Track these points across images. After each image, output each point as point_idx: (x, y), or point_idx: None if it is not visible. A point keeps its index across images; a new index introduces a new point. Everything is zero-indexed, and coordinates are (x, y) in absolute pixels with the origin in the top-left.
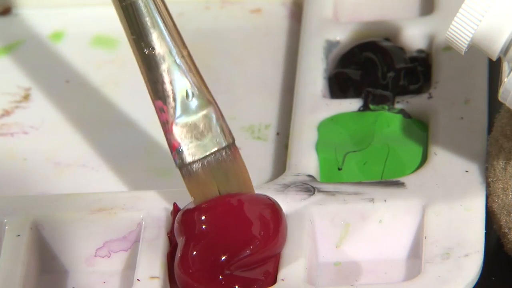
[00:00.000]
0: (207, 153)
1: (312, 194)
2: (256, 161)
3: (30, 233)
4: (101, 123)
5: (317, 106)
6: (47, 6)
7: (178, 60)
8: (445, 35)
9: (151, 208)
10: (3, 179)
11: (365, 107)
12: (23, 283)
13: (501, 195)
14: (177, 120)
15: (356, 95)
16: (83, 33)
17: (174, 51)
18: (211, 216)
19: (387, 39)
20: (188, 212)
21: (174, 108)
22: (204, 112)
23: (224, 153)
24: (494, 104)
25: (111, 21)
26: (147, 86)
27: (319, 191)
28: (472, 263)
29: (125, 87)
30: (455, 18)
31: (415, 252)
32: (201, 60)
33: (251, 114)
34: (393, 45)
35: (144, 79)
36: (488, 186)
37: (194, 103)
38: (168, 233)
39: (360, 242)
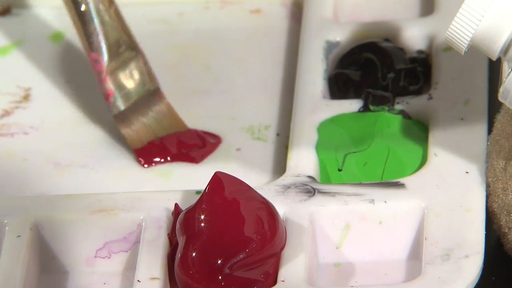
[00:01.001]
0: (137, 98)
1: (312, 195)
2: (256, 162)
3: (30, 234)
4: (101, 123)
5: (317, 106)
6: (47, 6)
7: (107, 14)
8: (445, 35)
9: (151, 209)
10: (3, 179)
11: (365, 108)
12: (23, 283)
13: (501, 195)
14: (110, 70)
15: (356, 96)
16: None
17: (104, 7)
18: (210, 216)
19: (387, 40)
20: (188, 212)
21: (107, 58)
22: (132, 60)
23: (152, 97)
24: (494, 104)
25: None
26: (82, 41)
27: (319, 192)
28: (472, 264)
29: None
30: (455, 18)
31: (415, 253)
32: (201, 60)
33: (251, 114)
34: (393, 46)
35: (79, 35)
36: (488, 186)
37: (124, 53)
38: (168, 234)
39: (360, 243)
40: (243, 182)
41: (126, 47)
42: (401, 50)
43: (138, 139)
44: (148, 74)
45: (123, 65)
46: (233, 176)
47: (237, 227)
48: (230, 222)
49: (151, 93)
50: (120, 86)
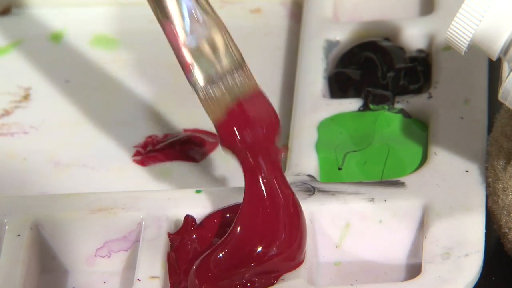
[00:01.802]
0: (221, 74)
1: (312, 194)
2: None
3: (30, 233)
4: (101, 123)
5: (317, 106)
6: (47, 6)
7: None
8: (445, 35)
9: (151, 208)
10: (3, 179)
11: (365, 107)
12: (23, 282)
13: (501, 195)
14: (188, 42)
15: (356, 95)
16: (83, 33)
17: None
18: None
19: (387, 39)
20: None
21: (185, 29)
22: (213, 32)
23: (237, 74)
24: (494, 104)
25: (111, 21)
26: (155, 12)
27: (319, 191)
28: (472, 263)
29: (125, 87)
30: (455, 18)
31: (415, 252)
32: None
33: None
34: (393, 45)
35: (151, 5)
36: (488, 186)
37: (203, 24)
38: (168, 233)
39: (360, 242)
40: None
41: (206, 18)
42: (401, 49)
43: (220, 112)
44: (232, 48)
45: (203, 38)
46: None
47: (263, 236)
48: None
49: (235, 68)
50: (201, 60)
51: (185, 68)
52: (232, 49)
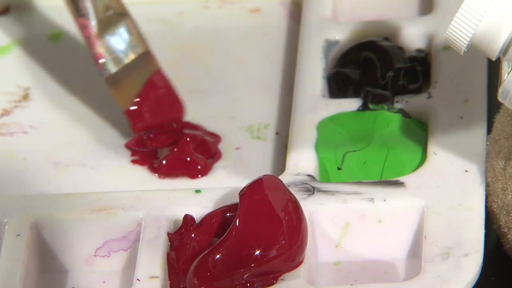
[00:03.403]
0: (128, 61)
1: (312, 194)
2: (256, 160)
3: (30, 233)
4: (101, 122)
5: (316, 105)
6: (46, 6)
7: None
8: (445, 35)
9: (151, 208)
10: (2, 179)
11: (364, 107)
12: (23, 282)
13: (500, 195)
14: (98, 34)
15: (355, 94)
16: None
17: None
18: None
19: (386, 39)
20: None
21: (96, 23)
22: (121, 24)
23: (142, 59)
24: (493, 104)
25: None
26: (69, 7)
27: (319, 190)
28: (472, 262)
29: None
30: (455, 18)
31: (415, 252)
32: (200, 59)
33: (250, 113)
34: (393, 44)
35: (66, 1)
36: (487, 186)
37: (112, 16)
38: (168, 233)
39: (359, 241)
40: (285, 189)
41: (113, 11)
42: (401, 49)
43: (129, 101)
44: (137, 37)
45: (111, 29)
46: (277, 181)
47: (262, 239)
48: (257, 230)
49: (141, 56)
50: (109, 50)
51: (96, 58)
52: (138, 37)
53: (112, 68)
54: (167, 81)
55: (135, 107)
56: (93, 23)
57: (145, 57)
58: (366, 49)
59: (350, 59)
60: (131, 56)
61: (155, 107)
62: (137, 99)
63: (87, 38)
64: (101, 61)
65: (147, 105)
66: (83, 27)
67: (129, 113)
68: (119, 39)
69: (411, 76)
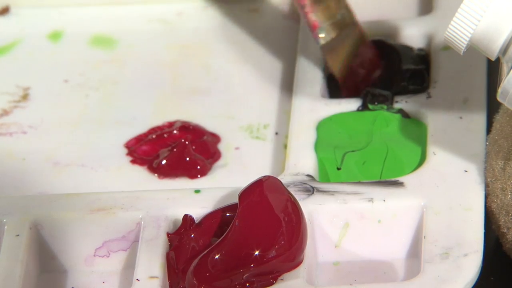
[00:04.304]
0: (341, 31)
1: (311, 194)
2: (255, 161)
3: (29, 233)
4: (100, 122)
5: (315, 105)
6: (46, 5)
7: None
8: (444, 35)
9: (150, 208)
10: (2, 179)
11: (364, 107)
12: (22, 282)
13: (500, 195)
14: (314, 2)
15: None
16: (81, 33)
17: None
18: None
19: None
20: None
21: None
22: None
23: (353, 29)
24: (493, 104)
25: (110, 21)
26: None
27: (318, 191)
28: (471, 262)
29: (124, 86)
30: (454, 18)
31: (414, 252)
32: (199, 59)
33: (250, 113)
34: (402, 44)
35: None
36: (487, 186)
37: None
38: (167, 233)
39: (359, 241)
40: (285, 190)
41: None
42: (410, 48)
43: (341, 65)
44: (347, 7)
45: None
46: (277, 182)
47: (261, 240)
48: (257, 231)
49: (352, 26)
50: (324, 18)
51: (312, 26)
52: (348, 7)
53: (327, 36)
54: (376, 52)
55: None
56: None
57: (355, 27)
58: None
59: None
60: (343, 25)
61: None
62: (349, 68)
63: (303, 6)
64: (316, 29)
65: (356, 72)
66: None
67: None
68: (331, 9)
69: (417, 78)
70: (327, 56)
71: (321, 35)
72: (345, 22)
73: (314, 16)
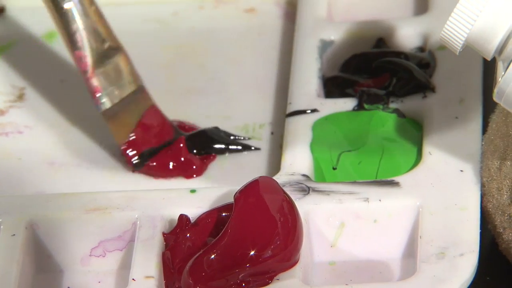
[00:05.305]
0: (124, 96)
1: (307, 194)
2: (250, 160)
3: (25, 233)
4: (96, 122)
5: (311, 105)
6: (41, 5)
7: (89, 13)
8: (440, 35)
9: (146, 208)
10: None
11: (359, 107)
12: (18, 282)
13: (495, 195)
14: (95, 67)
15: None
16: None
17: (85, 6)
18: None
19: (402, 53)
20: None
21: (92, 56)
22: (116, 58)
23: (138, 94)
24: (488, 104)
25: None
26: (65, 40)
27: (314, 190)
28: (467, 262)
29: None
30: (450, 18)
31: (410, 252)
32: (195, 59)
33: (246, 113)
34: (417, 68)
35: (61, 34)
36: (483, 186)
37: (107, 50)
38: (163, 233)
39: (355, 241)
40: (281, 190)
41: (109, 45)
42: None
43: (125, 135)
44: (131, 72)
45: (107, 63)
46: (273, 183)
47: (257, 240)
48: (252, 231)
49: (136, 91)
50: (106, 84)
51: (93, 92)
52: (133, 71)
53: (108, 103)
54: (162, 117)
55: (130, 144)
56: (89, 56)
57: (140, 92)
58: (386, 62)
59: (357, 65)
60: (126, 91)
61: (150, 142)
62: (133, 135)
63: (84, 71)
64: (97, 95)
65: (142, 141)
66: (80, 60)
67: (125, 151)
68: (114, 74)
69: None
70: (108, 123)
71: (103, 101)
72: (129, 87)
73: (96, 81)
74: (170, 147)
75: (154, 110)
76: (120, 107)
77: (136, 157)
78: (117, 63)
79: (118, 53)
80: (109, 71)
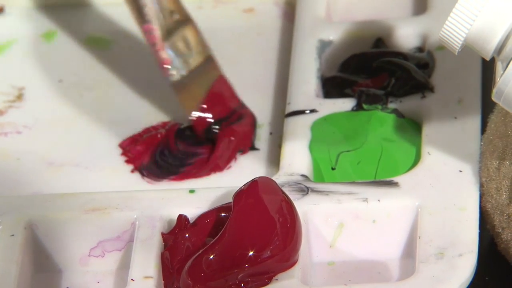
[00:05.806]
0: (193, 67)
1: (306, 194)
2: (249, 161)
3: (24, 233)
4: (95, 122)
5: (310, 105)
6: (40, 5)
7: None
8: (439, 35)
9: (145, 208)
10: None
11: (358, 107)
12: (17, 282)
13: (494, 195)
14: (164, 40)
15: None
16: (76, 33)
17: None
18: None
19: (400, 53)
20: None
21: (160, 28)
22: (184, 29)
23: (207, 64)
24: (487, 104)
25: (104, 21)
26: (134, 14)
27: (313, 191)
28: (466, 262)
29: (118, 86)
30: (449, 18)
31: (409, 252)
32: None
33: None
34: (415, 68)
35: (131, 8)
36: (481, 186)
37: (176, 22)
38: (162, 233)
39: (354, 241)
40: (280, 191)
41: (177, 17)
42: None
43: (194, 106)
44: (200, 43)
45: (175, 35)
46: (272, 183)
47: (256, 240)
48: (251, 232)
49: (205, 62)
50: (174, 56)
51: (162, 64)
52: (202, 42)
53: (178, 74)
54: (230, 87)
55: (201, 114)
56: (158, 29)
57: (209, 62)
58: (386, 62)
59: (357, 65)
60: (195, 62)
61: (218, 112)
62: (203, 105)
63: (152, 44)
64: (166, 66)
65: (211, 112)
66: (149, 33)
67: (196, 122)
68: (182, 45)
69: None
70: (177, 94)
71: (172, 72)
72: (198, 58)
73: (165, 53)
74: (241, 122)
75: (223, 80)
76: (189, 79)
77: (205, 127)
78: (185, 34)
79: (187, 24)
80: (177, 43)
